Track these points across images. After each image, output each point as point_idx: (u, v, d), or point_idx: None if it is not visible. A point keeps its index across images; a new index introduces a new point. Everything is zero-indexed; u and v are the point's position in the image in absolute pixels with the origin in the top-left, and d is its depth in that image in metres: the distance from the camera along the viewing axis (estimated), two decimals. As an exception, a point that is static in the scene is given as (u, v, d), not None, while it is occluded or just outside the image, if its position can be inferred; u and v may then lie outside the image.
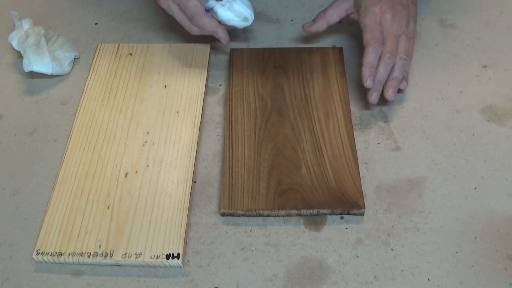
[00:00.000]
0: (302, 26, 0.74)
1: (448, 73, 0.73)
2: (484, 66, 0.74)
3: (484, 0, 0.82)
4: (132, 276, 0.57)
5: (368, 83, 0.65)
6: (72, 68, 0.77)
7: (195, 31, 0.70)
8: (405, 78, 0.68)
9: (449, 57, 0.75)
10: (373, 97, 0.65)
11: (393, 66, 0.66)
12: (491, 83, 0.72)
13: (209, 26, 0.68)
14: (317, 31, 0.73)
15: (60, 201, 0.61)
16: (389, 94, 0.66)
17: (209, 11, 0.68)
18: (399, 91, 0.67)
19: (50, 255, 0.57)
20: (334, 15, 0.72)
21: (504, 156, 0.65)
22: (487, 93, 0.71)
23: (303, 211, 0.60)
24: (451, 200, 0.61)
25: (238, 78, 0.72)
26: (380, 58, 0.66)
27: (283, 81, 0.72)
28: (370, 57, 0.65)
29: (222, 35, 0.69)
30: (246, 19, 0.69)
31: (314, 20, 0.73)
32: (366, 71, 0.65)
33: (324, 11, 0.72)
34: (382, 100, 0.66)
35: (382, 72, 0.65)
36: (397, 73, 0.66)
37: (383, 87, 0.66)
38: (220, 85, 0.74)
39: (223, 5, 0.68)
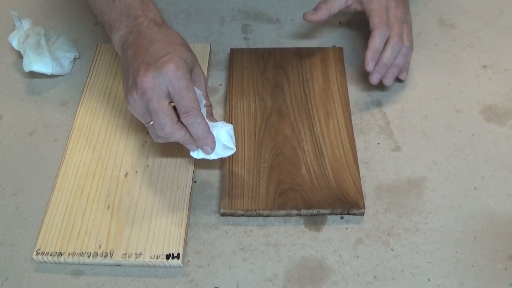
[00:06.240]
0: (304, 15, 0.71)
1: (448, 73, 0.73)
2: (484, 66, 0.74)
3: (484, 0, 0.82)
4: (132, 276, 0.57)
5: (369, 67, 0.66)
6: (72, 68, 0.77)
7: (163, 135, 0.57)
8: (405, 68, 0.69)
9: (449, 57, 0.75)
10: (374, 78, 0.66)
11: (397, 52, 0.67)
12: (491, 83, 0.72)
13: (202, 128, 0.56)
14: (319, 20, 0.71)
15: (60, 201, 0.61)
16: (387, 80, 0.67)
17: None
18: (400, 81, 0.70)
19: (50, 255, 0.57)
20: (335, 4, 0.70)
21: (504, 156, 0.65)
22: (487, 93, 0.71)
23: (303, 211, 0.60)
24: (451, 200, 0.61)
25: (238, 78, 0.72)
26: (387, 41, 0.66)
27: (283, 81, 0.72)
28: (376, 41, 0.65)
29: (211, 143, 0.57)
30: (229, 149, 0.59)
31: (316, 9, 0.71)
32: (370, 55, 0.65)
33: (325, 0, 0.71)
34: (381, 87, 0.69)
35: (389, 55, 0.66)
36: (399, 60, 0.67)
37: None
38: (220, 85, 0.74)
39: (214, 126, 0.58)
